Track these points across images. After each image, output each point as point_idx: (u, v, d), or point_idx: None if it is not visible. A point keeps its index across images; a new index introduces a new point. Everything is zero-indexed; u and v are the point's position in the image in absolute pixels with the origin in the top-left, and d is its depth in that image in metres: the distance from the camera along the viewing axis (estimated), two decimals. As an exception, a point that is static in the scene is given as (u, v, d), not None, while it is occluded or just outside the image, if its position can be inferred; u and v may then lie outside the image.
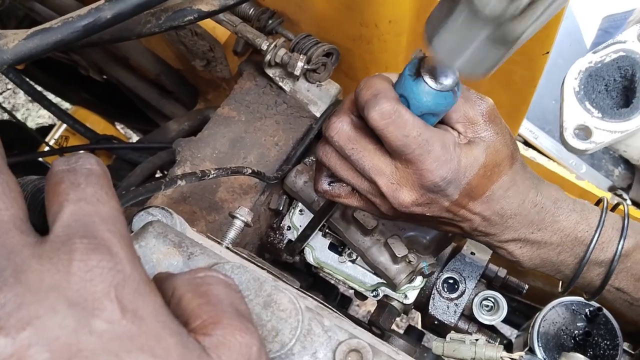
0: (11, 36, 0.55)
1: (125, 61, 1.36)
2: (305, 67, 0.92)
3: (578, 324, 0.92)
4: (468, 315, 0.95)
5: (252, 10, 0.96)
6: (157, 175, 1.33)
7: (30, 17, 1.36)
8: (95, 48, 1.33)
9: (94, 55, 1.41)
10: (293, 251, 0.93)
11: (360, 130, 0.65)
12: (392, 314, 0.93)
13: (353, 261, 0.93)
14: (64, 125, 1.92)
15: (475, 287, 0.94)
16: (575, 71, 0.76)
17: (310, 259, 0.94)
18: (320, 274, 0.97)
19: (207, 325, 0.37)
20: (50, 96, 1.85)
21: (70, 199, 0.37)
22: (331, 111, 0.96)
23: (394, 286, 0.89)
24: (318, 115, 0.97)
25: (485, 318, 0.93)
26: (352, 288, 0.94)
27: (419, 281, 0.92)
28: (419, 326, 1.13)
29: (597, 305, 0.89)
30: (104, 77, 1.61)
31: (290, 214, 0.95)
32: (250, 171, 0.80)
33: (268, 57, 0.92)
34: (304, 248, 0.93)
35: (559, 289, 0.79)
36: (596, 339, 0.91)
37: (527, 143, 1.42)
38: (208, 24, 1.02)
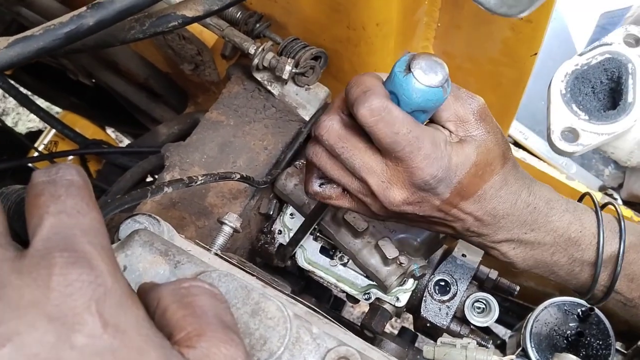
0: (-7, 44, 0.54)
1: (114, 65, 1.35)
2: (294, 70, 0.92)
3: (570, 324, 0.92)
4: (460, 317, 0.95)
5: (239, 13, 0.96)
6: (147, 180, 1.33)
7: (17, 22, 1.35)
8: (83, 53, 1.32)
9: (83, 59, 1.41)
10: (284, 256, 0.93)
11: (350, 129, 0.65)
12: (384, 317, 0.92)
13: (344, 264, 0.92)
14: (53, 130, 1.91)
15: (466, 289, 0.94)
16: (561, 73, 0.76)
17: (301, 260, 0.93)
18: (313, 278, 0.96)
19: (192, 338, 0.37)
20: (40, 101, 1.84)
21: (50, 212, 0.36)
22: (319, 116, 0.96)
23: (385, 288, 0.89)
24: (307, 118, 0.97)
25: (477, 320, 0.93)
26: (344, 291, 0.94)
27: (410, 284, 0.92)
28: (412, 328, 1.13)
29: (589, 305, 0.89)
30: (93, 81, 1.60)
31: (281, 217, 0.95)
32: (238, 176, 0.79)
33: (256, 60, 0.92)
34: (295, 251, 0.93)
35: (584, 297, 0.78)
36: (589, 339, 0.91)
37: (517, 144, 1.42)
38: (195, 27, 1.02)
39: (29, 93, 1.74)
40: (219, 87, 1.22)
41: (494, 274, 0.96)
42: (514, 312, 1.24)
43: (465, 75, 1.04)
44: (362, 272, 0.92)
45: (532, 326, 0.91)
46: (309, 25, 0.95)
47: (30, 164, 1.63)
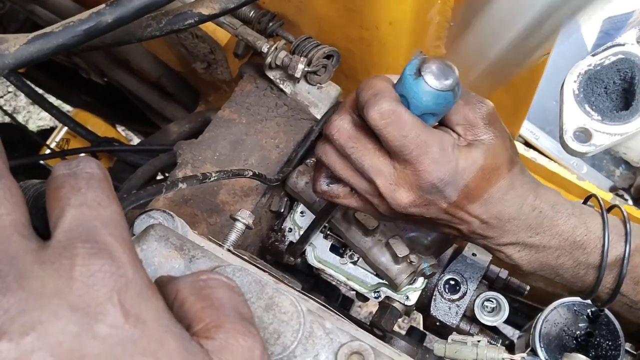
0: (12, 40, 0.55)
1: (126, 64, 1.36)
2: (306, 69, 0.92)
3: (580, 325, 0.92)
4: (470, 317, 0.95)
5: (252, 12, 0.96)
6: (158, 178, 1.33)
7: (31, 20, 1.36)
8: (96, 51, 1.33)
9: (95, 58, 1.42)
10: (295, 252, 0.93)
11: (360, 130, 0.66)
12: (394, 316, 0.93)
13: (354, 263, 0.93)
14: (65, 128, 1.92)
15: (476, 288, 0.94)
16: (574, 74, 0.76)
17: (311, 258, 0.94)
18: (322, 276, 0.97)
19: (210, 329, 0.37)
20: (51, 99, 1.85)
21: (72, 204, 0.37)
22: (330, 114, 0.96)
23: (395, 287, 0.89)
24: (319, 117, 0.97)
25: (487, 319, 0.93)
26: (353, 289, 0.94)
27: (420, 282, 0.92)
28: (421, 327, 1.13)
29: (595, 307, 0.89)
30: (105, 79, 1.61)
31: (292, 215, 0.95)
32: (251, 173, 0.80)
33: (268, 59, 0.92)
34: (305, 249, 0.93)
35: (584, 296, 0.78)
36: (598, 339, 0.91)
37: (528, 144, 1.42)
38: (209, 26, 1.03)
39: (41, 91, 1.76)
40: (231, 85, 1.22)
41: (504, 274, 0.96)
42: (523, 313, 1.24)
43: (477, 75, 1.04)
44: (372, 271, 0.92)
45: (541, 326, 0.91)
46: (322, 24, 0.96)
47: (42, 162, 1.64)
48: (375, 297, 0.93)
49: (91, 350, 0.33)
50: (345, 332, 0.50)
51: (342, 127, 0.66)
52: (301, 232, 0.93)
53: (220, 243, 0.64)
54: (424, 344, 1.03)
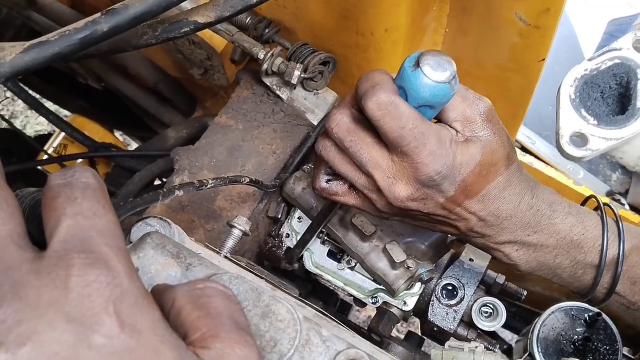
0: (9, 49, 0.55)
1: (124, 70, 1.36)
2: (303, 75, 0.93)
3: (578, 330, 0.92)
4: (467, 322, 0.95)
5: (249, 19, 0.96)
6: (156, 183, 1.34)
7: (28, 27, 1.36)
8: (97, 58, 1.33)
9: (93, 64, 1.42)
10: (292, 258, 0.93)
11: (359, 124, 0.66)
12: (392, 321, 0.93)
13: (352, 268, 0.93)
14: (63, 134, 1.92)
15: (474, 293, 0.94)
16: (571, 79, 0.77)
17: (309, 264, 0.94)
18: (320, 281, 0.97)
19: (207, 339, 0.37)
20: (49, 104, 1.85)
21: (67, 214, 0.37)
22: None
23: (392, 292, 0.89)
24: (315, 123, 0.97)
25: (484, 324, 0.93)
26: (351, 295, 0.94)
27: (417, 288, 0.92)
28: (419, 332, 1.13)
29: (596, 310, 0.89)
30: (103, 85, 1.61)
31: (289, 221, 0.95)
32: (248, 180, 0.80)
33: (265, 66, 0.93)
34: (303, 254, 0.93)
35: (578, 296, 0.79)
36: (596, 344, 0.91)
37: (524, 149, 1.42)
38: (205, 33, 1.03)
39: (38, 96, 1.76)
40: (228, 92, 1.23)
41: (501, 279, 0.96)
42: (521, 317, 1.24)
43: (473, 81, 1.04)
44: (369, 276, 0.92)
45: (539, 331, 0.91)
46: (318, 31, 0.96)
47: (40, 167, 1.64)
48: (373, 303, 0.93)
49: None
50: (342, 339, 0.50)
51: (342, 121, 0.66)
52: (299, 238, 0.93)
53: (217, 250, 0.64)
54: (423, 349, 1.03)
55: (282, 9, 0.95)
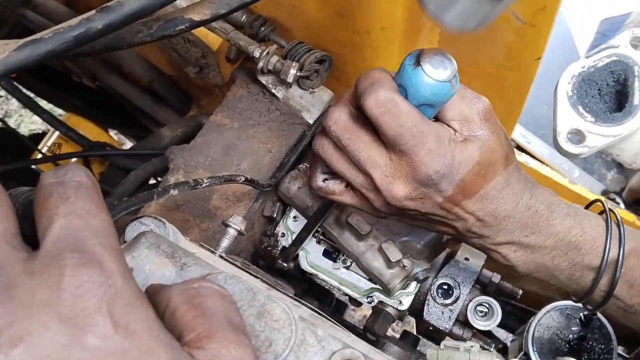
0: (2, 47, 0.55)
1: (118, 68, 1.36)
2: (298, 74, 0.92)
3: (573, 329, 0.92)
4: (463, 321, 0.95)
5: (244, 17, 0.96)
6: (150, 182, 1.33)
7: (22, 24, 1.35)
8: (91, 56, 1.32)
9: (87, 62, 1.41)
10: (287, 256, 0.93)
11: (357, 121, 0.66)
12: (387, 320, 0.93)
13: (347, 267, 0.93)
14: (57, 132, 1.91)
15: (469, 292, 0.94)
16: (568, 76, 0.77)
17: (304, 264, 0.93)
18: (315, 281, 0.97)
19: (201, 339, 0.37)
20: (43, 103, 1.84)
21: (60, 213, 0.37)
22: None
23: (388, 291, 0.89)
24: (311, 122, 0.97)
25: (479, 323, 0.93)
26: (346, 294, 0.94)
27: (413, 287, 0.92)
28: (415, 332, 1.13)
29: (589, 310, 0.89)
30: (97, 83, 1.60)
31: (284, 220, 0.95)
32: (243, 179, 0.80)
33: (260, 64, 0.92)
34: (298, 253, 0.93)
35: (574, 298, 0.79)
36: (591, 343, 0.91)
37: (520, 148, 1.42)
38: (201, 31, 1.02)
39: (32, 95, 1.75)
40: (223, 90, 1.22)
41: (496, 278, 0.96)
42: (515, 316, 1.24)
43: (468, 79, 1.04)
44: (365, 275, 0.92)
45: (534, 330, 0.91)
46: (313, 29, 0.96)
47: (33, 166, 1.63)
48: (368, 302, 0.93)
49: None
50: (338, 339, 0.49)
51: (340, 118, 0.66)
52: (294, 237, 0.93)
53: (212, 249, 0.64)
54: (418, 348, 1.03)
55: (277, 6, 0.95)
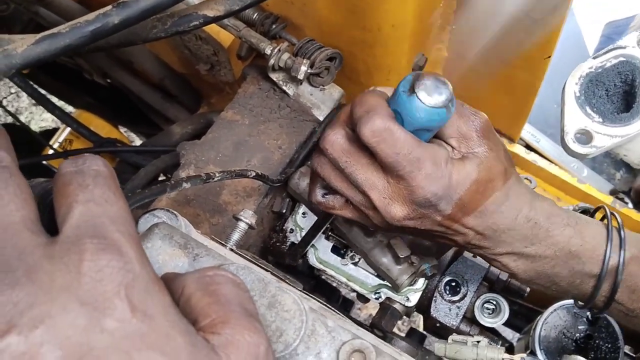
0: (19, 41, 0.56)
1: (129, 65, 1.37)
2: (309, 71, 0.93)
3: (579, 327, 0.92)
4: (470, 318, 0.95)
5: (255, 15, 0.97)
6: (160, 179, 1.34)
7: (35, 22, 1.37)
8: (100, 52, 1.34)
9: (98, 59, 1.42)
10: (295, 255, 0.94)
11: (354, 144, 0.66)
12: (394, 317, 0.93)
13: (355, 264, 0.93)
14: (68, 129, 1.93)
15: (477, 290, 0.95)
16: (576, 76, 0.77)
17: (313, 259, 0.94)
18: (323, 277, 0.97)
19: (216, 324, 0.38)
20: (54, 99, 1.86)
21: (79, 200, 0.38)
22: (332, 116, 0.97)
23: (396, 287, 0.89)
24: (321, 118, 0.98)
25: (487, 321, 0.93)
26: (354, 290, 0.95)
27: (420, 283, 0.92)
28: (421, 329, 1.14)
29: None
30: (108, 80, 1.62)
31: (293, 216, 0.96)
32: (254, 174, 0.80)
33: (272, 61, 0.93)
34: (306, 250, 0.94)
35: (578, 304, 0.79)
36: (597, 342, 0.91)
37: (528, 146, 1.42)
38: (212, 28, 1.03)
39: (44, 92, 1.76)
40: (234, 87, 1.23)
41: (504, 276, 0.96)
42: (522, 315, 1.24)
43: (478, 78, 1.05)
44: (373, 272, 0.92)
45: (541, 329, 0.92)
46: (324, 26, 0.96)
47: (45, 162, 1.65)
48: (375, 298, 0.93)
49: (99, 343, 0.33)
50: (347, 330, 0.50)
51: (336, 141, 0.66)
52: (303, 233, 0.93)
53: (223, 243, 0.64)
54: (424, 346, 1.03)
55: (289, 4, 0.96)
